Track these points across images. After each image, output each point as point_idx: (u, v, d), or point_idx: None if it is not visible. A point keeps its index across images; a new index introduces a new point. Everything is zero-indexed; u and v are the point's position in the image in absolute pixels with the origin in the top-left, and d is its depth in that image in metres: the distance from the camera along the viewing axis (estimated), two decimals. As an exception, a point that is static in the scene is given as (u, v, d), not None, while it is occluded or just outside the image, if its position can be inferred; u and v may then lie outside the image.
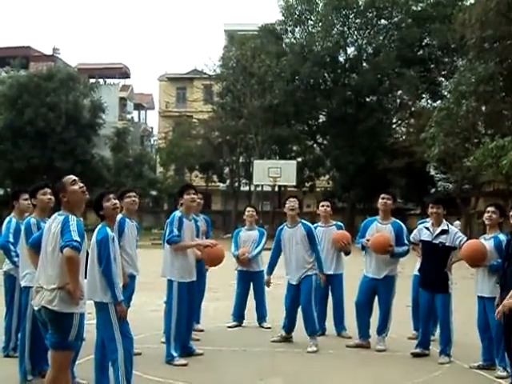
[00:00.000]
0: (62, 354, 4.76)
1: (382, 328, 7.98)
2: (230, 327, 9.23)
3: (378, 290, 7.99)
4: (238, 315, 9.42)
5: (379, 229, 7.95)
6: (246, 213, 9.56)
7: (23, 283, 6.16)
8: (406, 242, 7.88)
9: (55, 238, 4.76)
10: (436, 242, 7.38)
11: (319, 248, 8.02)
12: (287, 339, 8.21)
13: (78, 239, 4.65)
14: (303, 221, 8.11)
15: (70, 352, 4.86)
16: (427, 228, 7.54)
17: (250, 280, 9.41)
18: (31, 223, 6.14)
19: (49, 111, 37.59)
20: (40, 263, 4.91)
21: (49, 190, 6.13)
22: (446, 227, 7.41)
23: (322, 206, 8.82)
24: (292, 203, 8.00)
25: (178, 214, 7.12)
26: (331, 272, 8.57)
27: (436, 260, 7.36)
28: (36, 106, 37.36)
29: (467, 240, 7.38)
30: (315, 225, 8.70)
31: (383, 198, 8.09)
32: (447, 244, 7.33)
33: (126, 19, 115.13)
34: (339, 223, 9.04)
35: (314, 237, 7.96)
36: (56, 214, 4.97)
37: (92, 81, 46.09)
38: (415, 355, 7.46)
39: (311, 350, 7.71)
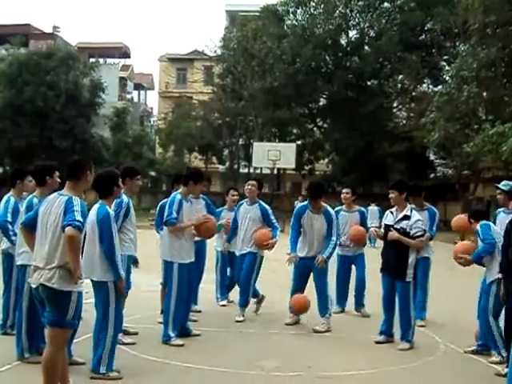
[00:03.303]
0: (59, 331, 4.79)
1: (321, 309, 8.13)
2: (224, 305, 9.42)
3: (313, 271, 8.16)
4: (227, 291, 9.68)
5: (311, 218, 8.15)
6: (231, 196, 9.79)
7: (19, 261, 6.17)
8: (333, 232, 8.07)
9: (58, 218, 4.77)
10: (397, 227, 7.32)
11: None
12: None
13: (81, 219, 4.67)
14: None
15: (68, 330, 4.90)
16: (392, 212, 7.51)
17: (230, 260, 9.51)
18: (33, 203, 6.08)
19: (48, 90, 37.40)
20: (37, 242, 4.91)
21: None
22: (408, 213, 7.36)
23: (343, 193, 9.40)
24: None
25: (178, 196, 7.16)
26: (354, 253, 9.17)
27: (396, 246, 7.27)
28: (36, 85, 37.16)
29: (423, 232, 7.37)
30: (338, 208, 9.22)
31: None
32: (407, 230, 7.27)
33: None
34: (362, 209, 9.56)
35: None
36: (56, 194, 4.98)
37: (92, 60, 45.86)
38: (378, 343, 7.44)
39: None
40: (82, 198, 4.97)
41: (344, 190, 9.45)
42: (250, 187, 8.56)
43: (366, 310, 9.15)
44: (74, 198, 4.82)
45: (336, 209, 9.11)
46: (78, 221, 4.64)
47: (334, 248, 8.18)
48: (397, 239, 7.24)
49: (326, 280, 8.19)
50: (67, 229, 4.61)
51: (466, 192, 33.61)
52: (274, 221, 8.58)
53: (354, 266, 9.36)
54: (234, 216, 8.74)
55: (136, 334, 7.25)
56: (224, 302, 9.53)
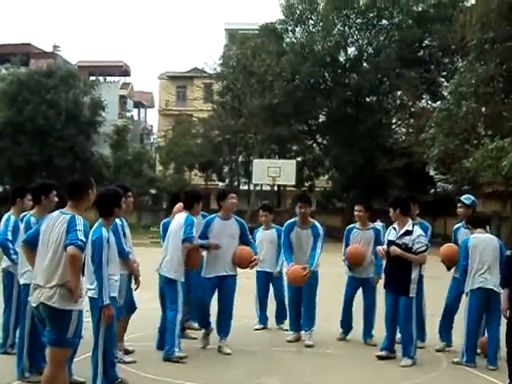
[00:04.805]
0: (60, 350, 4.77)
1: (308, 323, 8.14)
2: None
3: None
4: None
5: (299, 234, 8.19)
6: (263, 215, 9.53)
7: (23, 281, 6.12)
8: (318, 245, 8.02)
9: (60, 237, 4.77)
10: (399, 242, 7.32)
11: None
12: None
13: (83, 239, 4.68)
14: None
15: (68, 349, 4.88)
16: (394, 228, 7.49)
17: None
18: (31, 221, 6.10)
19: (49, 108, 37.53)
20: (38, 261, 4.90)
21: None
22: (410, 228, 7.35)
23: (355, 210, 8.67)
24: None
25: (195, 220, 7.25)
26: (365, 276, 8.50)
27: (398, 261, 7.26)
28: (36, 103, 37.30)
29: (425, 247, 7.36)
30: (351, 226, 8.71)
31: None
32: (410, 245, 7.26)
33: (126, 17, 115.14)
34: (377, 227, 8.66)
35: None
36: (58, 212, 4.96)
37: (92, 78, 46.08)
38: (380, 358, 7.40)
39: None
40: (83, 215, 4.96)
41: (356, 208, 8.62)
42: (234, 201, 7.86)
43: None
44: (76, 216, 4.81)
45: (349, 226, 8.70)
46: (81, 240, 4.64)
47: (319, 258, 8.05)
48: (399, 255, 7.24)
49: (315, 294, 8.19)
50: (69, 248, 4.60)
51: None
52: (249, 236, 8.07)
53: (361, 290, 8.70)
54: (204, 232, 7.67)
55: (132, 352, 7.18)
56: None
